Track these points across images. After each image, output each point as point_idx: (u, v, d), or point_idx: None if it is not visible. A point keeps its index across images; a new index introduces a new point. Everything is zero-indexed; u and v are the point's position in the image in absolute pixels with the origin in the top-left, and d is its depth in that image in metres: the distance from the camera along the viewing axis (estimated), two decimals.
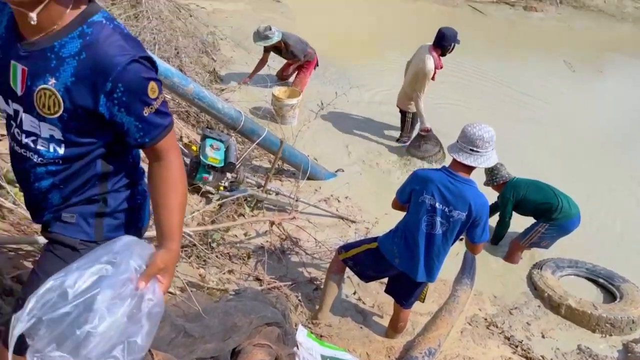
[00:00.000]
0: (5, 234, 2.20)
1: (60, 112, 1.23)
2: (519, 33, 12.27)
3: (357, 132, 6.17)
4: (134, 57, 1.22)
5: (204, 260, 3.20)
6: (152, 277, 1.28)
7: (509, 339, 3.53)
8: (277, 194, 4.39)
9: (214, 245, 3.42)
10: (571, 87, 8.99)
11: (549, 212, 4.11)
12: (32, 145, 1.29)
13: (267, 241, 3.85)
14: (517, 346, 3.48)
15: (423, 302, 3.26)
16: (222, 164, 4.04)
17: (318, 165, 5.10)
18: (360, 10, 11.40)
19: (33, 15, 1.13)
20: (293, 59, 6.36)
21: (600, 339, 3.81)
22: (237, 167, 4.19)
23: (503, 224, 4.44)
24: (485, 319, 3.71)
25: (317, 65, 6.65)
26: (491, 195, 4.17)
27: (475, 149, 2.61)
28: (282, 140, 4.36)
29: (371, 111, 6.71)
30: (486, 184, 4.45)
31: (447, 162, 5.49)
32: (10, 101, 1.28)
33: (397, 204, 2.99)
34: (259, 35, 5.99)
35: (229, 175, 4.19)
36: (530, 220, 4.38)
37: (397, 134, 6.14)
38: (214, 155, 4.00)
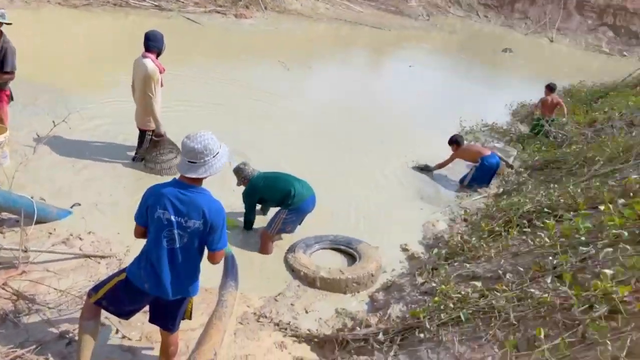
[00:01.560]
0: None
1: None
2: (234, 39, 13.00)
3: (90, 158, 5.68)
4: None
5: None
6: None
7: (278, 325, 3.76)
8: None
9: None
10: (290, 84, 9.99)
11: (286, 199, 4.54)
12: None
13: None
14: (286, 329, 3.73)
15: (190, 319, 3.19)
16: None
17: (47, 205, 4.51)
18: (67, 29, 10.47)
19: None
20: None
21: (351, 298, 4.37)
22: None
23: (246, 217, 4.93)
24: (255, 313, 3.86)
25: (12, 99, 5.54)
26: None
27: (193, 160, 2.63)
28: None
29: (100, 134, 6.27)
30: (238, 184, 4.78)
31: None
32: None
33: (139, 230, 2.84)
34: None
35: None
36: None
37: (133, 153, 5.86)
38: None
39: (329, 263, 4.71)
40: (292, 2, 17.92)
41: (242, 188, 4.91)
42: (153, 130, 5.66)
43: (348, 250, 4.94)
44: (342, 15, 19.32)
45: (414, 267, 4.80)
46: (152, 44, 5.29)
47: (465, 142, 7.59)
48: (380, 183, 6.72)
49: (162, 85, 5.50)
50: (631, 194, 4.22)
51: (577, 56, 22.73)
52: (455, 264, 4.39)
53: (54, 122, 5.14)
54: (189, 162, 2.64)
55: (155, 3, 13.18)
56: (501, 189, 6.86)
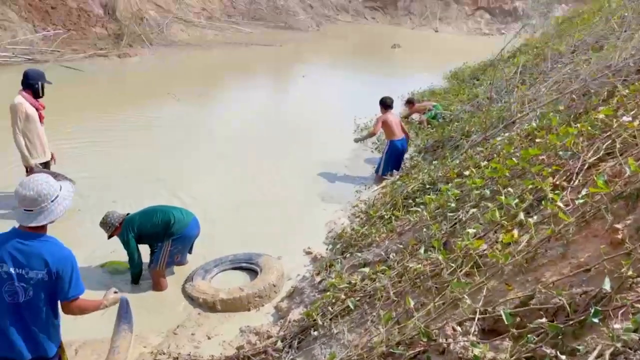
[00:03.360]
0: None
1: None
2: (122, 79, 12.62)
3: None
4: None
5: None
6: None
7: (177, 359, 3.61)
8: None
9: None
10: (182, 112, 9.89)
11: (167, 229, 4.35)
12: None
13: None
14: None
15: None
16: None
17: None
18: None
19: None
20: None
21: (256, 313, 4.29)
22: None
23: (133, 263, 4.46)
24: (152, 352, 3.69)
25: None
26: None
27: (29, 208, 2.47)
28: None
29: None
30: (109, 237, 4.47)
31: None
32: None
33: None
34: None
35: None
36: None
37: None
38: None
39: (231, 284, 4.61)
40: (178, 34, 17.72)
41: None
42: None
43: (249, 267, 4.86)
44: (232, 38, 19.35)
45: (317, 268, 4.81)
46: (25, 81, 5.42)
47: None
48: (283, 192, 6.73)
49: (41, 121, 5.52)
50: (495, 155, 4.48)
51: (460, 41, 24.14)
52: (348, 255, 4.45)
53: None
54: (25, 210, 2.48)
55: (28, 57, 12.53)
56: (398, 176, 7.08)
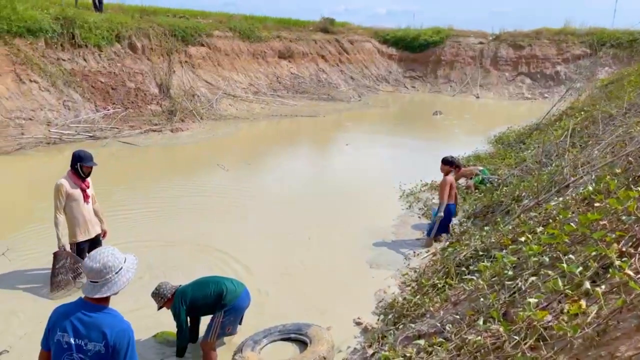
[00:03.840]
0: None
1: None
2: (174, 152, 13.20)
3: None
4: None
5: None
6: None
7: None
8: None
9: None
10: (230, 182, 10.19)
11: (220, 300, 4.34)
12: None
13: None
14: None
15: None
16: None
17: None
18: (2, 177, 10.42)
19: None
20: None
21: None
22: None
23: (181, 335, 4.41)
24: None
25: None
26: None
27: (94, 280, 2.56)
28: None
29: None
30: (159, 308, 4.49)
31: None
32: None
33: (42, 355, 2.66)
34: None
35: None
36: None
37: None
38: None
39: (280, 355, 4.51)
40: (227, 109, 18.60)
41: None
42: (74, 244, 5.70)
43: (299, 338, 4.75)
44: (278, 111, 20.11)
45: (368, 339, 4.66)
46: (71, 163, 5.62)
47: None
48: (330, 260, 6.67)
49: (86, 201, 5.70)
50: (550, 221, 4.34)
51: (503, 106, 24.18)
52: (401, 326, 4.29)
53: None
54: (91, 282, 2.56)
55: (90, 134, 13.39)
56: (447, 242, 6.92)
